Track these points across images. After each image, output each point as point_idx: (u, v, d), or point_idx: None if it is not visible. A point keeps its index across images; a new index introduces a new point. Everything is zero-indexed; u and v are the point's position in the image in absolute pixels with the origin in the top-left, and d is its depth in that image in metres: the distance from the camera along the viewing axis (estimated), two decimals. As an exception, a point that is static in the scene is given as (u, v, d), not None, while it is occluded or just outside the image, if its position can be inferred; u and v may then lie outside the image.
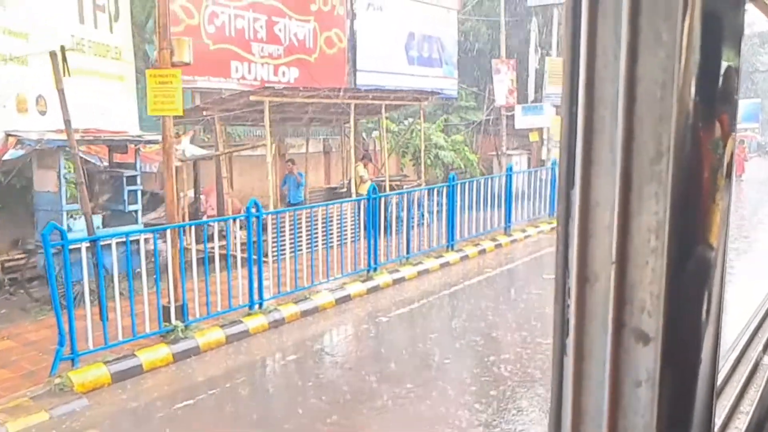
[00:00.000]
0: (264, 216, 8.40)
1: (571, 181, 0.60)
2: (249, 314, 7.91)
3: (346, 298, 9.10)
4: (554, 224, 13.69)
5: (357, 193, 13.72)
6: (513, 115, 18.71)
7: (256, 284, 8.03)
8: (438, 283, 10.19)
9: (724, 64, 0.58)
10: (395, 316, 8.55)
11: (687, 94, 0.55)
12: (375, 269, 10.00)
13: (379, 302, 9.13)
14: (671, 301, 0.57)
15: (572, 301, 0.61)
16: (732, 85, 0.59)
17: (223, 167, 12.32)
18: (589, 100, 0.57)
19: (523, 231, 14.13)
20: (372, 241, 9.98)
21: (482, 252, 12.25)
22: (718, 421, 1.11)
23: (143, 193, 14.91)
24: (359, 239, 10.43)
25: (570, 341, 0.61)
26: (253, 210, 8.18)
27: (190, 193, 12.92)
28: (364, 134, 17.02)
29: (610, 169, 0.57)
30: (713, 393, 0.65)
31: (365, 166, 13.98)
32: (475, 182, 12.99)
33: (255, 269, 8.04)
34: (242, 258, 8.14)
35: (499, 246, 12.85)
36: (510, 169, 13.75)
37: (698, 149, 0.57)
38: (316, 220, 9.94)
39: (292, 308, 8.32)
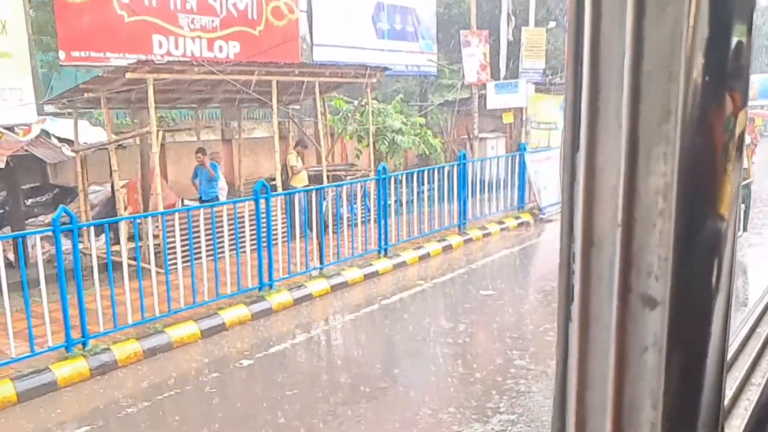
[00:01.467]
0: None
1: (576, 144, 0.58)
2: (65, 359, 6.01)
3: (219, 329, 7.16)
4: (523, 219, 11.29)
5: (290, 185, 11.76)
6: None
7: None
8: (349, 303, 8.20)
9: (735, 19, 0.56)
10: (259, 360, 6.56)
11: (696, 49, 0.54)
12: (270, 286, 8.06)
13: (257, 335, 7.18)
14: (680, 265, 0.56)
15: (577, 267, 0.60)
16: (744, 50, 0.57)
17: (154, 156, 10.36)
18: (594, 61, 0.56)
19: (483, 228, 12.09)
20: (264, 252, 8.03)
21: (424, 257, 10.25)
22: (729, 392, 1.01)
23: (51, 187, 13.13)
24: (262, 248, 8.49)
25: (575, 307, 0.61)
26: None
27: (118, 186, 11.02)
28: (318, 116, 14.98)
29: (616, 130, 0.55)
30: (723, 363, 0.63)
31: (299, 154, 11.99)
32: (415, 174, 10.97)
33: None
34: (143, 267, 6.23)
35: (447, 249, 10.84)
36: (462, 156, 11.68)
37: (708, 109, 0.55)
38: (220, 222, 8.04)
39: (131, 347, 6.38)
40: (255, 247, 8.15)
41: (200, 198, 11.12)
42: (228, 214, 8.59)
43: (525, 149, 13.67)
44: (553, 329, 6.82)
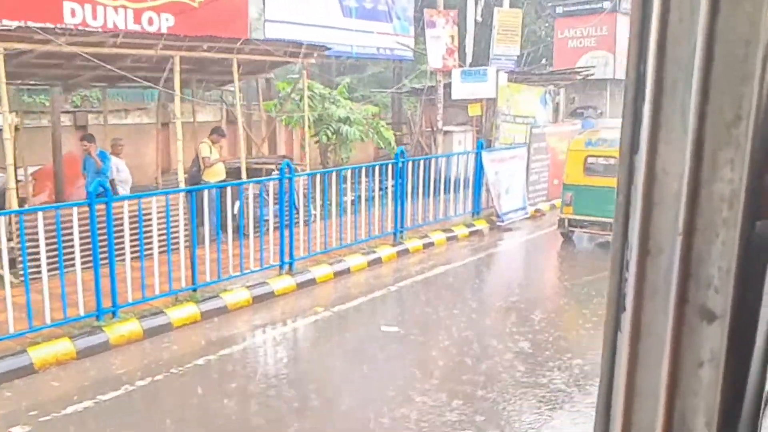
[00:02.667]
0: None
1: (635, 146, 0.56)
2: None
3: (22, 372, 5.48)
4: (477, 227, 9.35)
5: (202, 180, 10.07)
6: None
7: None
8: (203, 342, 6.44)
9: None
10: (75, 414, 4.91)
11: None
12: (113, 313, 6.37)
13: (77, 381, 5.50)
14: (742, 278, 0.54)
15: (631, 275, 0.57)
16: None
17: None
18: (660, 59, 0.54)
19: (425, 237, 10.39)
20: (119, 266, 6.33)
21: (342, 274, 8.57)
22: None
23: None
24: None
25: (626, 317, 0.58)
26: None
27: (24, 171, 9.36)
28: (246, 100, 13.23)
29: (680, 133, 0.54)
30: None
31: (214, 144, 10.26)
32: (334, 173, 9.27)
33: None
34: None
35: (375, 263, 9.16)
36: (400, 154, 9.94)
37: None
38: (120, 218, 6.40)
39: None
40: (137, 255, 6.58)
41: (87, 191, 9.43)
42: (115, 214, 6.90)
43: (482, 147, 11.92)
44: (475, 398, 5.15)
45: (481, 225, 11.62)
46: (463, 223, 11.48)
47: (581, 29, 20.10)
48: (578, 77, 19.19)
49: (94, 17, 12.06)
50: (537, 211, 13.00)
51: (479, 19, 14.53)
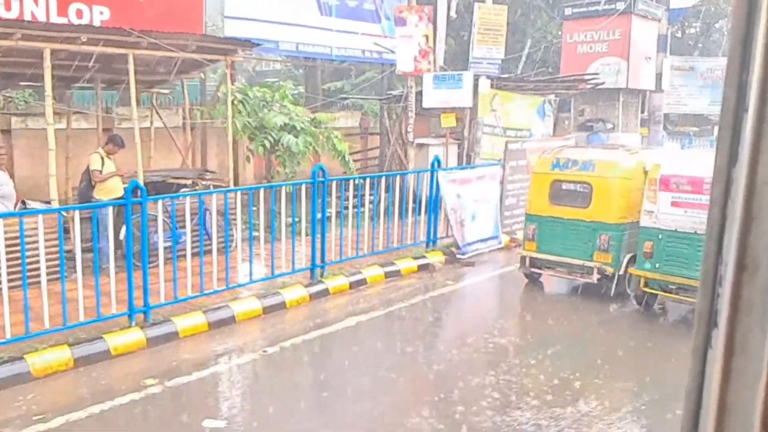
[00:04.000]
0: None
1: (733, 158, 0.55)
2: None
3: None
4: (428, 260, 9.30)
5: (93, 198, 8.46)
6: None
7: None
8: None
9: None
10: None
11: None
12: None
13: None
14: None
15: (725, 291, 0.56)
16: None
17: None
18: (766, 68, 0.52)
19: (356, 274, 8.54)
20: None
21: (221, 325, 6.77)
22: None
23: None
24: None
25: (719, 333, 0.56)
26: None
27: None
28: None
29: None
30: None
31: (109, 155, 8.62)
32: (214, 195, 7.53)
33: None
34: None
35: (275, 309, 7.35)
36: (317, 173, 8.11)
37: None
38: None
39: None
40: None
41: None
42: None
43: (439, 164, 10.00)
44: None
45: (435, 258, 9.70)
46: (413, 255, 9.58)
47: (592, 33, 17.97)
48: (585, 86, 17.06)
49: (8, 8, 10.63)
50: (513, 240, 11.00)
51: (453, 15, 12.63)
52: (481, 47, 12.41)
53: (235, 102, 10.29)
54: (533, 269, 8.46)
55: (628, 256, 7.81)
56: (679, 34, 33.83)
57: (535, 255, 8.35)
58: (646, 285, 7.24)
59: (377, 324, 7.16)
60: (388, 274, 8.89)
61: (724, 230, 0.55)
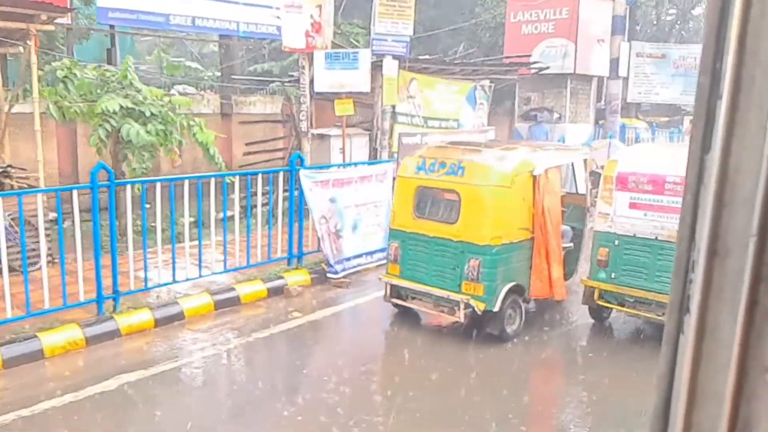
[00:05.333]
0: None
1: (706, 144, 0.56)
2: None
3: None
4: (289, 280, 7.58)
5: None
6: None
7: None
8: None
9: None
10: None
11: None
12: None
13: None
14: None
15: (697, 276, 0.57)
16: None
17: None
18: (740, 55, 0.52)
19: (170, 305, 6.65)
20: None
21: None
22: None
23: None
24: None
25: (690, 319, 0.57)
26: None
27: None
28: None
29: (758, 131, 0.52)
30: None
31: None
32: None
33: None
34: None
35: (18, 363, 5.44)
36: (98, 170, 6.15)
37: None
38: None
39: None
40: None
41: None
42: None
43: (301, 161, 8.09)
44: None
45: (297, 278, 7.83)
46: (266, 276, 7.69)
47: (537, 12, 16.07)
48: (527, 71, 15.19)
49: None
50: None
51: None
52: (384, 21, 10.49)
53: (58, 82, 8.31)
54: (396, 300, 6.61)
55: (508, 286, 5.99)
56: (654, 21, 32.19)
57: (398, 282, 6.50)
58: (600, 297, 6.22)
59: (140, 388, 5.23)
60: (220, 304, 7.00)
61: (697, 216, 0.56)
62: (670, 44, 27.70)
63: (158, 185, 7.02)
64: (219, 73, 17.17)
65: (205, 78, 17.18)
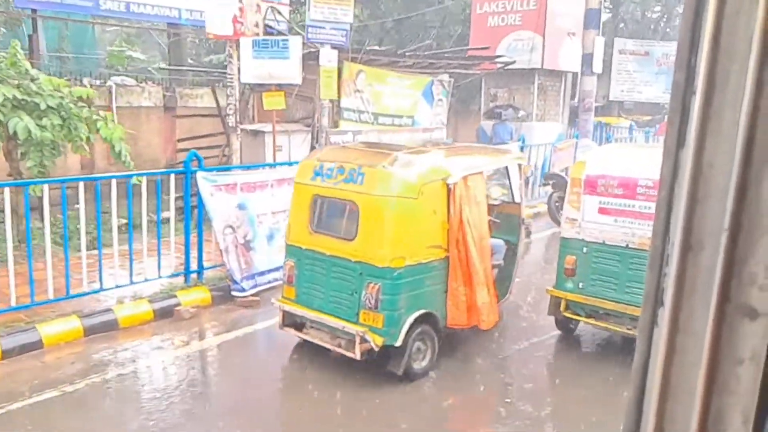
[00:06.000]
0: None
1: (681, 140, 0.56)
2: None
3: None
4: (186, 298, 6.51)
5: None
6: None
7: None
8: None
9: None
10: None
11: None
12: None
13: None
14: None
15: (671, 270, 0.57)
16: None
17: None
18: (714, 51, 0.53)
19: (27, 331, 5.61)
20: None
21: None
22: None
23: None
24: None
25: (664, 312, 0.58)
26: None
27: None
28: None
29: (731, 127, 0.52)
30: None
31: None
32: None
33: None
34: None
35: None
36: None
37: None
38: None
39: None
40: None
41: None
42: None
43: (199, 162, 7.06)
44: None
45: (193, 296, 6.82)
46: (155, 296, 6.67)
47: (504, 2, 15.08)
48: (491, 65, 14.22)
49: None
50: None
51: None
52: (321, 7, 9.45)
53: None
54: (290, 328, 5.61)
55: (414, 316, 5.02)
56: (638, 17, 31.37)
57: (293, 309, 5.50)
58: (567, 308, 5.82)
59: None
60: (92, 329, 5.97)
61: (671, 210, 0.56)
62: (653, 41, 26.88)
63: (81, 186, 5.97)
64: (165, 64, 16.10)
65: (150, 69, 16.07)
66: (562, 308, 5.82)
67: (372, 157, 5.15)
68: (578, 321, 5.94)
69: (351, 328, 4.97)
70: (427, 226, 5.09)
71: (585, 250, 5.63)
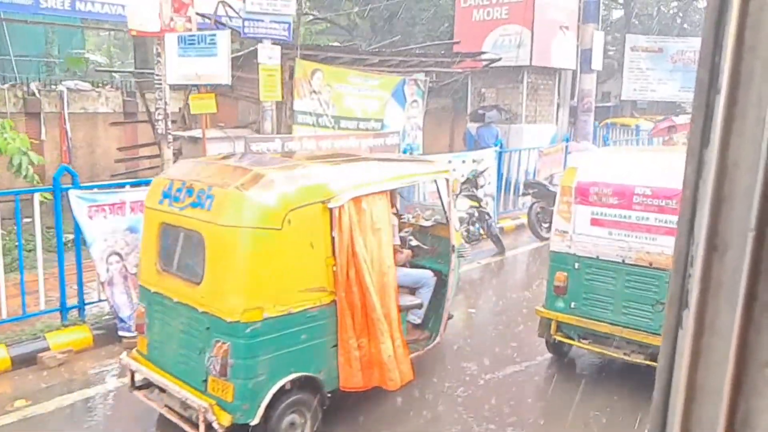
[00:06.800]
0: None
1: (705, 139, 0.55)
2: None
3: None
4: (57, 341, 5.64)
5: None
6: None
7: None
8: None
9: None
10: None
11: None
12: None
13: None
14: None
15: (696, 271, 0.56)
16: None
17: None
18: (738, 49, 0.52)
19: None
20: None
21: None
22: None
23: None
24: None
25: (689, 314, 0.57)
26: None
27: None
28: None
29: (756, 126, 0.51)
30: None
31: None
32: None
33: None
34: None
35: None
36: None
37: None
38: None
39: None
40: None
41: None
42: None
43: (73, 177, 5.90)
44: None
45: (66, 338, 5.67)
46: (14, 337, 5.54)
47: (489, -6, 13.80)
48: (474, 64, 12.95)
49: None
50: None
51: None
52: (254, -3, 8.31)
53: None
54: (138, 394, 4.42)
55: (281, 383, 3.80)
56: (653, 13, 29.93)
57: (139, 366, 4.31)
58: (558, 330, 5.32)
59: None
60: None
61: (696, 211, 0.55)
62: (666, 37, 25.41)
63: None
64: (129, 68, 15.12)
65: (111, 72, 15.08)
66: (552, 330, 5.29)
67: (228, 175, 3.94)
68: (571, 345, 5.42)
69: (195, 399, 3.77)
70: (301, 264, 3.88)
71: (577, 265, 5.15)
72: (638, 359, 4.83)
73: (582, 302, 5.13)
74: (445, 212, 5.23)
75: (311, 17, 16.49)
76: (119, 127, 13.21)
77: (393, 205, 5.20)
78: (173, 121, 10.72)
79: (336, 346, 4.12)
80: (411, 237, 5.43)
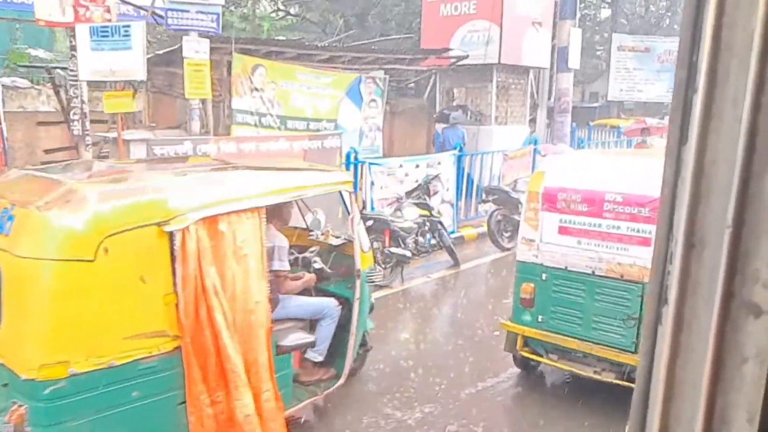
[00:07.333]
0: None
1: (683, 137, 0.55)
2: None
3: None
4: None
5: None
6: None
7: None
8: None
9: None
10: None
11: None
12: None
13: None
14: None
15: (675, 268, 0.56)
16: None
17: None
18: (715, 48, 0.52)
19: None
20: None
21: None
22: None
23: None
24: None
25: (668, 310, 0.57)
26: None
27: None
28: None
29: (733, 124, 0.51)
30: None
31: None
32: None
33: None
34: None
35: None
36: None
37: None
38: None
39: None
40: None
41: None
42: None
43: None
44: None
45: None
46: None
47: (457, -12, 13.01)
48: (439, 60, 12.16)
49: None
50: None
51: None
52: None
53: None
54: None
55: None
56: (641, 12, 29.35)
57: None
58: (525, 346, 5.04)
59: None
60: None
61: (674, 208, 0.55)
62: (653, 37, 24.71)
63: None
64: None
65: (56, 68, 14.20)
66: (518, 346, 5.03)
67: (39, 190, 3.13)
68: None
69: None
70: (127, 304, 3.07)
71: (544, 276, 4.88)
72: (609, 378, 4.45)
73: (550, 316, 4.86)
74: (350, 230, 4.43)
75: (275, 10, 15.68)
76: (60, 127, 12.35)
77: (285, 222, 4.40)
78: (103, 121, 9.92)
79: (184, 402, 3.32)
80: (316, 258, 4.64)
